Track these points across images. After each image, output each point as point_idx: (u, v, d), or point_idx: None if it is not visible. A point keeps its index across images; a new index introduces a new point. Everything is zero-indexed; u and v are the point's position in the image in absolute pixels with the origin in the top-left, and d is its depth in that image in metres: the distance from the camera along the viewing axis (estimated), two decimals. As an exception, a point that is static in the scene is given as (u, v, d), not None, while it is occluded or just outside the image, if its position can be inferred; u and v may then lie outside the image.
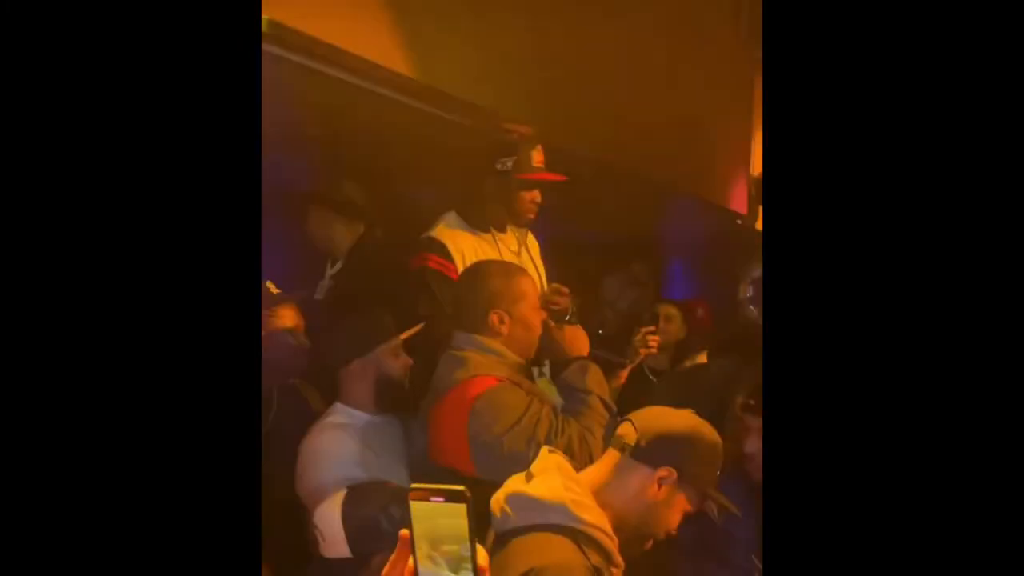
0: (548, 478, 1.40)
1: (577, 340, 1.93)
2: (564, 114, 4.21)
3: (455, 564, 0.80)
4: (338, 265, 2.75)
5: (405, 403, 2.21)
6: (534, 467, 1.47)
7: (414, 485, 0.85)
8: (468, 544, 0.80)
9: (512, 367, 1.86)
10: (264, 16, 2.52)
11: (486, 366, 1.82)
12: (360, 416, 2.24)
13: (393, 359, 2.25)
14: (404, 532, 0.83)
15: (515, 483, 1.46)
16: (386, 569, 0.86)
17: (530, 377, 1.97)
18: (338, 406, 2.29)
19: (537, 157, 2.37)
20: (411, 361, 2.25)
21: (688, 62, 5.34)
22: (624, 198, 5.19)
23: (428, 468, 1.92)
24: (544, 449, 1.50)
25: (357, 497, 1.98)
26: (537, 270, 2.46)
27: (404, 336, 2.23)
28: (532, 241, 2.53)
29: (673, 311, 2.89)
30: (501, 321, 1.84)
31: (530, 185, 2.34)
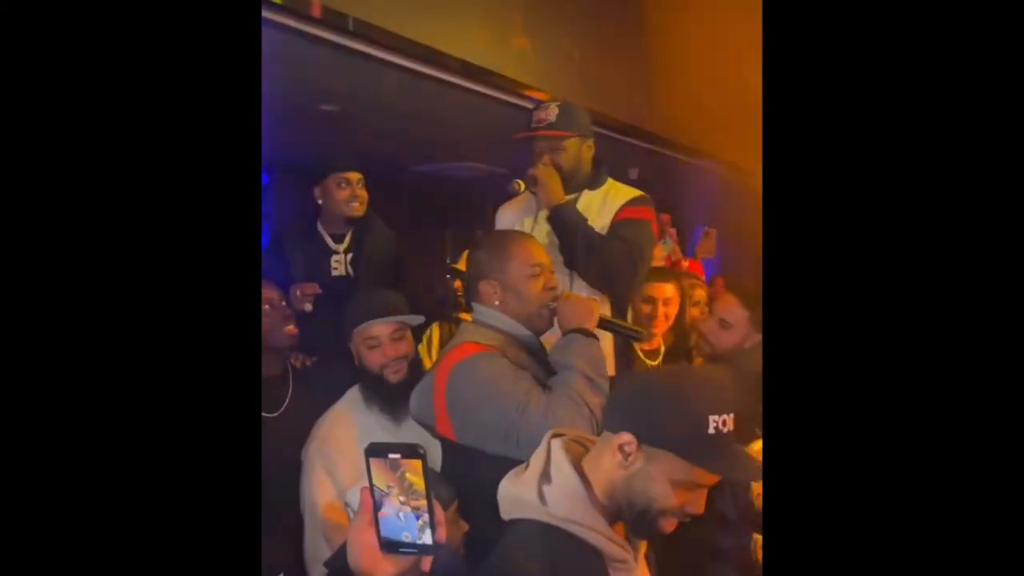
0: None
1: (577, 312, 1.80)
2: (587, 78, 4.11)
3: (421, 518, 0.83)
4: (346, 240, 2.72)
5: (393, 400, 2.00)
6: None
7: (372, 443, 0.84)
8: (426, 499, 0.82)
9: (512, 339, 1.80)
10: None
11: (478, 335, 1.76)
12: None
13: (366, 350, 2.00)
14: (365, 488, 0.84)
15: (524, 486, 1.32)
16: (353, 525, 0.87)
17: (536, 351, 1.83)
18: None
19: (538, 116, 2.26)
20: (393, 354, 2.00)
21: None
22: (648, 160, 5.10)
23: (434, 438, 1.87)
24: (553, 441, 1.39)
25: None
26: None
27: (373, 329, 2.01)
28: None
29: (671, 290, 2.69)
30: (493, 290, 1.81)
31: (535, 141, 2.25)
